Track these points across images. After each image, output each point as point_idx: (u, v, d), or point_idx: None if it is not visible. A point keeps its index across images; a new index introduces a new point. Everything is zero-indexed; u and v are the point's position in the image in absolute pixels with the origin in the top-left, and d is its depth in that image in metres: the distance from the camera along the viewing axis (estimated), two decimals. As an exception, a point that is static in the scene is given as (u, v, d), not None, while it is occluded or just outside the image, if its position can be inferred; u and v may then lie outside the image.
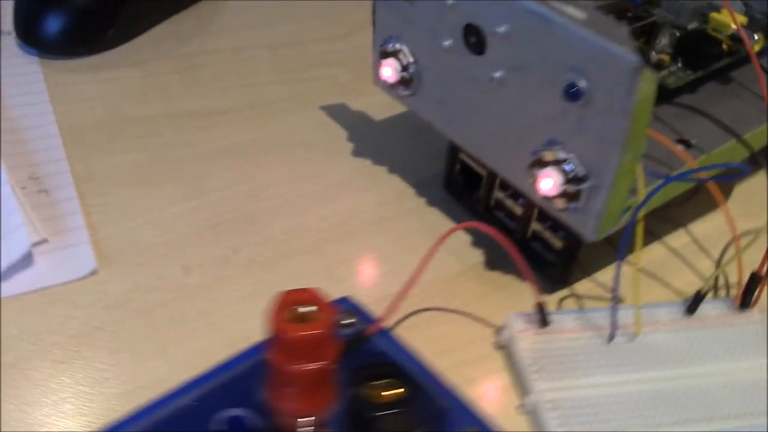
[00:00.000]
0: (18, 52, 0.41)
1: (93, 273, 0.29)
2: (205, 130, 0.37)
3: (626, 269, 0.31)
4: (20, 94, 0.38)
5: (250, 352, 0.25)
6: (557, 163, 0.27)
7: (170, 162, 0.35)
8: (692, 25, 0.35)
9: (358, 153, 0.36)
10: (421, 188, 0.35)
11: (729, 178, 0.29)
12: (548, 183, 0.27)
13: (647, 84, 0.23)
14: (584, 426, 0.25)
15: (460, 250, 0.32)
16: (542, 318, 0.28)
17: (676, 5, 0.36)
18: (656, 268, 0.32)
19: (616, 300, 0.27)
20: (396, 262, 0.31)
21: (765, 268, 0.28)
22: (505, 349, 0.28)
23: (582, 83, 0.25)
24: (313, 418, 0.21)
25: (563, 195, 0.27)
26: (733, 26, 0.33)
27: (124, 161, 0.35)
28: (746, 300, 0.29)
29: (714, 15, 0.34)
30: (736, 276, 0.30)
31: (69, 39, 0.41)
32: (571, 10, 0.25)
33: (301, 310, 0.19)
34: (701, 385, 0.26)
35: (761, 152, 0.32)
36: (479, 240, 0.32)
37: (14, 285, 0.29)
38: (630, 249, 0.27)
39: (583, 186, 0.26)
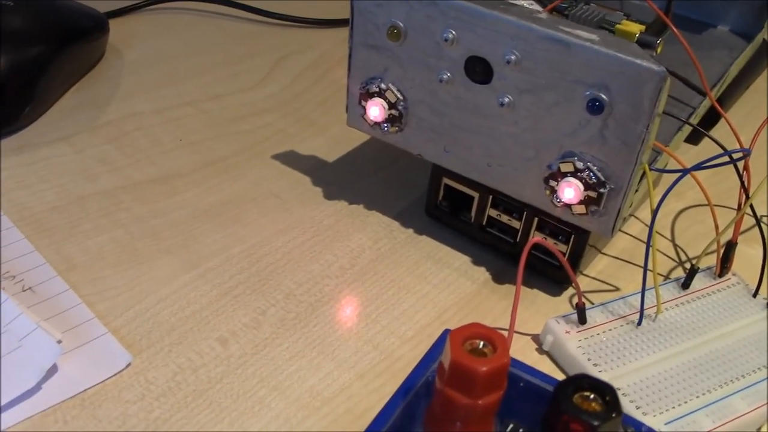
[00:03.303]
0: None
1: (128, 365, 0.27)
2: (171, 196, 0.35)
3: (606, 261, 0.35)
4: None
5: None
6: (576, 172, 0.29)
7: (152, 235, 0.33)
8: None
9: (329, 196, 0.37)
10: (405, 219, 0.36)
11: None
12: (570, 192, 0.29)
13: (666, 89, 0.26)
14: (658, 405, 0.27)
15: (466, 270, 0.33)
16: (582, 317, 0.30)
17: (581, 18, 0.40)
18: (627, 255, 0.35)
19: (644, 288, 0.30)
20: (417, 293, 0.32)
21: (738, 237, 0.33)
22: (549, 353, 0.30)
23: (604, 97, 0.27)
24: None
25: (585, 201, 0.29)
26: (637, 34, 0.38)
27: (103, 242, 0.32)
28: (724, 267, 0.33)
29: (619, 27, 0.39)
30: (693, 251, 0.35)
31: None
32: (583, 33, 0.27)
33: (476, 343, 0.20)
34: (721, 347, 0.30)
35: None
36: (479, 257, 0.34)
37: (44, 397, 0.26)
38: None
39: (603, 190, 0.29)
